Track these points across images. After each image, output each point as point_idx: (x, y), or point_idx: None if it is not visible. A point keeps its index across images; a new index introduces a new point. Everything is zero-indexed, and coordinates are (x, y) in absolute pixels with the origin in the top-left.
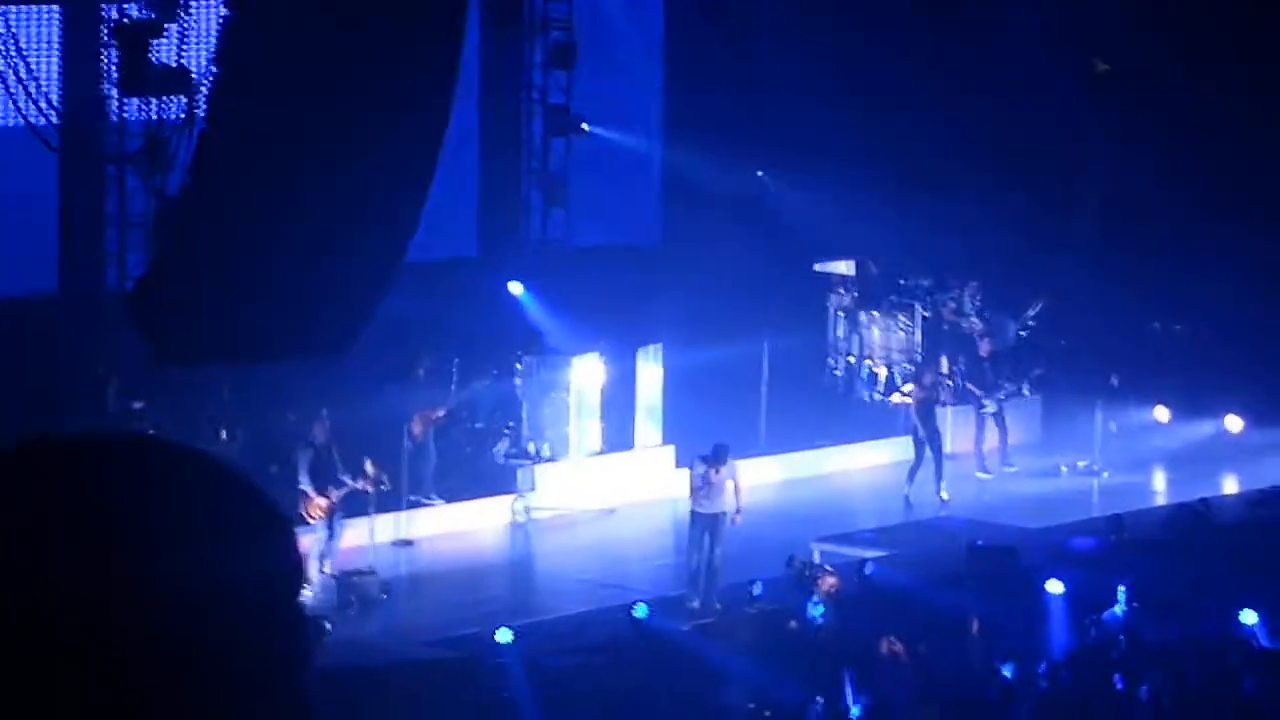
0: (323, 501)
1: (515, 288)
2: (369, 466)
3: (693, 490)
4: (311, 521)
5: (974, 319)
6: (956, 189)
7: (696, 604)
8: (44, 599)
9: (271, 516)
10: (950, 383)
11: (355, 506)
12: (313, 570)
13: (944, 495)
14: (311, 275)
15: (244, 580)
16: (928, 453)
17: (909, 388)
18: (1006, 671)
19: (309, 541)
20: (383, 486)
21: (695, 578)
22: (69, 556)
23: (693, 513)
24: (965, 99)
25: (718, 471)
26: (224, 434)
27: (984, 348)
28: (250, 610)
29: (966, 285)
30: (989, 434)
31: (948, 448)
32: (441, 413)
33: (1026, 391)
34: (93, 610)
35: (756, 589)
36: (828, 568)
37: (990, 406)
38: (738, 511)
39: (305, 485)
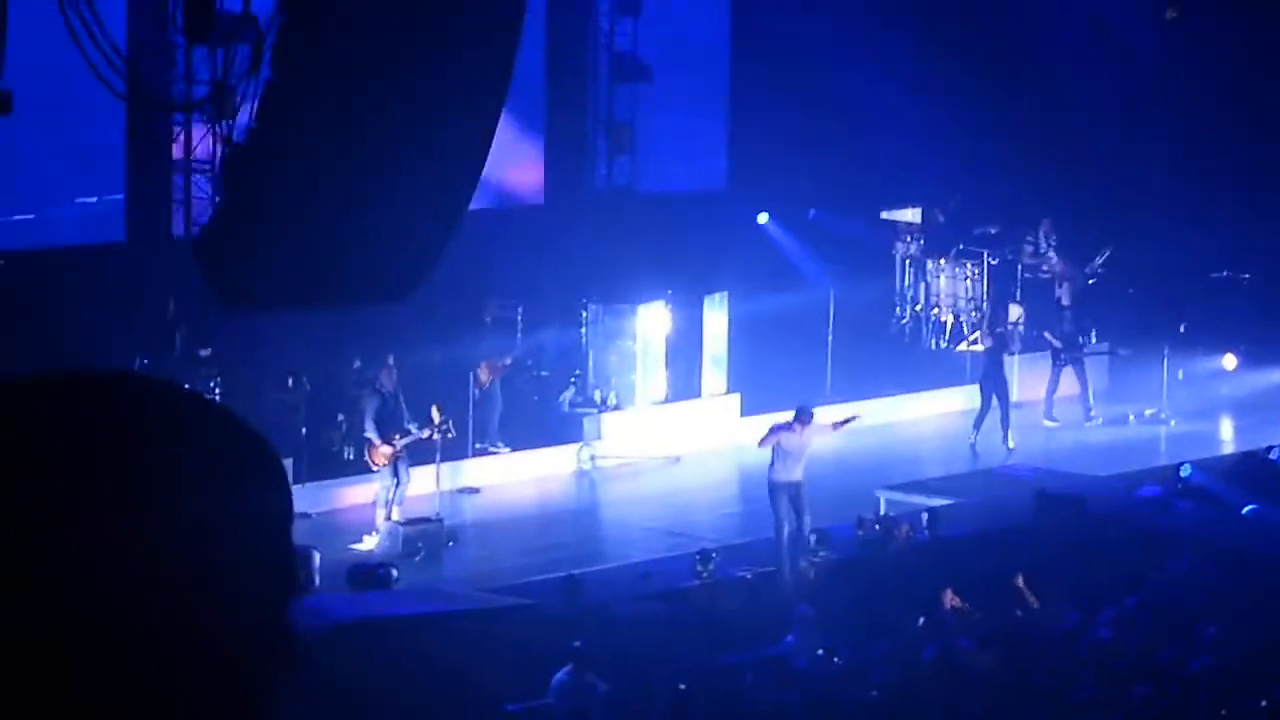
0: (387, 449)
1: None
2: (435, 414)
3: (773, 454)
4: (376, 468)
5: (1052, 257)
6: (1025, 137)
7: (786, 572)
8: (15, 531)
9: (262, 458)
10: (1020, 330)
11: (422, 454)
12: (379, 518)
13: (1010, 444)
14: (377, 221)
15: (230, 519)
16: (994, 401)
17: (976, 336)
18: (1071, 619)
19: (375, 489)
20: (449, 434)
21: (782, 549)
22: (47, 488)
23: (771, 483)
24: (1034, 45)
25: (801, 433)
26: (291, 381)
27: (1065, 296)
28: (236, 550)
29: (1040, 224)
30: (1064, 383)
31: (1015, 396)
32: (508, 361)
33: (1094, 339)
34: (70, 543)
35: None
36: (894, 516)
37: (1080, 351)
38: (849, 419)
39: (371, 433)
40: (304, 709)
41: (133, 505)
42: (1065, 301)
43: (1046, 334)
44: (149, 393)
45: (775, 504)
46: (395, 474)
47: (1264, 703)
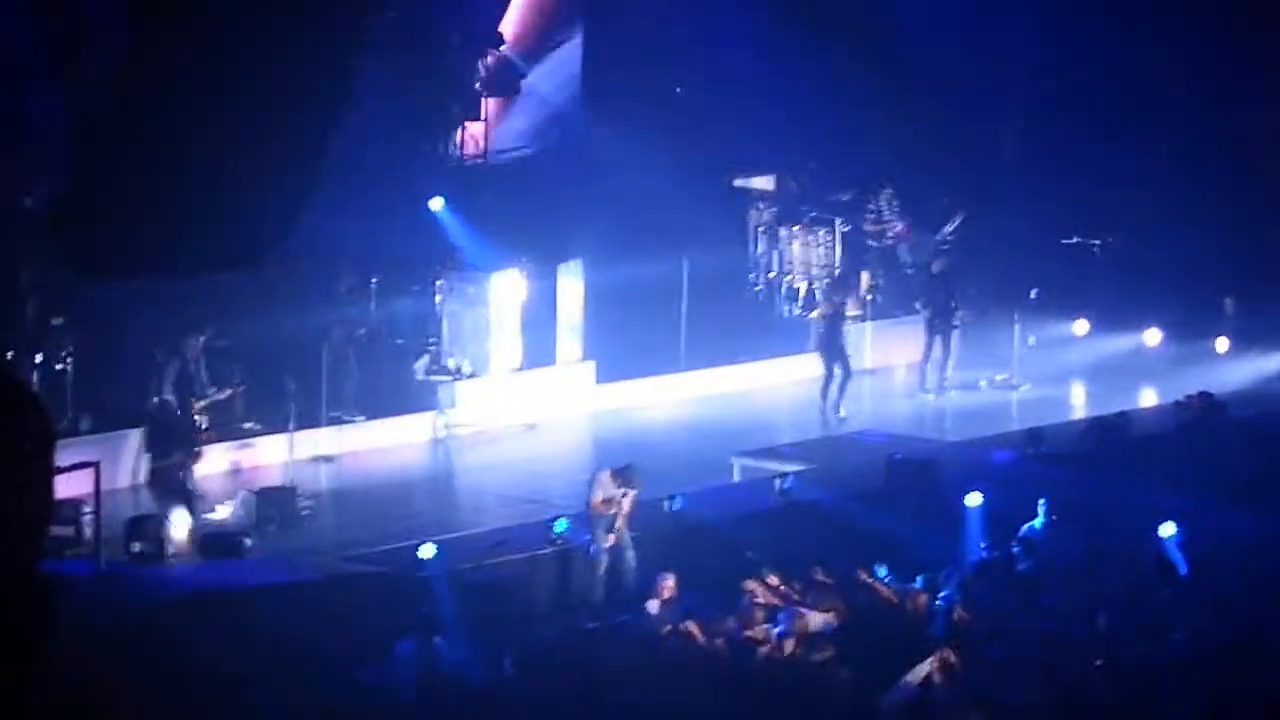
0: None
1: (436, 204)
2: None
3: (592, 501)
4: None
5: (897, 224)
6: (880, 104)
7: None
8: None
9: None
10: (870, 298)
11: (276, 423)
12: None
13: (842, 412)
14: (229, 190)
15: None
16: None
17: (821, 301)
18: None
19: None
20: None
21: (597, 575)
22: None
23: (590, 512)
24: (886, 12)
25: (626, 495)
26: (144, 351)
27: (936, 265)
28: None
29: (881, 192)
30: (934, 351)
31: (869, 363)
32: (362, 330)
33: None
34: None
35: (676, 504)
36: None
37: (962, 319)
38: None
39: (169, 396)
40: (155, 678)
41: None
42: (936, 269)
43: (918, 304)
44: None
45: (597, 530)
46: None
47: (1098, 661)
